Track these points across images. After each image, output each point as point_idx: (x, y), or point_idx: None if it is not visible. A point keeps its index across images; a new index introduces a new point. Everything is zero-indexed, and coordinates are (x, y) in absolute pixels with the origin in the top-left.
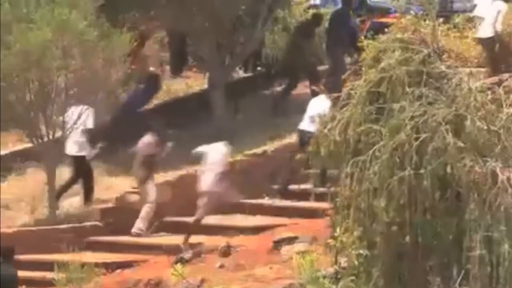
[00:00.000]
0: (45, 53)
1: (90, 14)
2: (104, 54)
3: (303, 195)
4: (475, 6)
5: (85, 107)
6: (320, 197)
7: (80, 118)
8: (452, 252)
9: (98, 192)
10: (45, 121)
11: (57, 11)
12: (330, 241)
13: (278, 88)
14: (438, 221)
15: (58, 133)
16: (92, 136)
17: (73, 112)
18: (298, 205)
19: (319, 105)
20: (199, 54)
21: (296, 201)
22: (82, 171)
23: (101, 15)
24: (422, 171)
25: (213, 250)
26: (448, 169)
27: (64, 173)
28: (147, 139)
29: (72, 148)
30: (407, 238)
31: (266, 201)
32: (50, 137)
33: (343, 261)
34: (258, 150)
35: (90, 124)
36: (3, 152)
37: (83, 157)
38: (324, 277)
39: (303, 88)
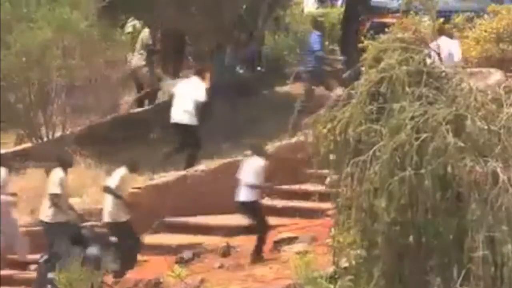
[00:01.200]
0: (45, 53)
1: (92, 14)
2: (104, 54)
3: (303, 195)
4: None
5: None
6: (320, 197)
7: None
8: (453, 252)
9: (98, 192)
10: (45, 121)
11: (58, 10)
12: (329, 241)
13: (279, 88)
14: (439, 221)
15: (58, 133)
16: (201, 109)
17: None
18: (298, 205)
19: None
20: (199, 54)
21: (296, 201)
22: (190, 140)
23: (102, 15)
24: (422, 171)
25: (213, 250)
26: (449, 169)
27: None
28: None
29: (179, 116)
30: (408, 238)
31: (266, 201)
32: (50, 137)
33: (343, 261)
34: None
35: (202, 97)
36: (3, 152)
37: (191, 126)
38: (323, 277)
39: (303, 88)
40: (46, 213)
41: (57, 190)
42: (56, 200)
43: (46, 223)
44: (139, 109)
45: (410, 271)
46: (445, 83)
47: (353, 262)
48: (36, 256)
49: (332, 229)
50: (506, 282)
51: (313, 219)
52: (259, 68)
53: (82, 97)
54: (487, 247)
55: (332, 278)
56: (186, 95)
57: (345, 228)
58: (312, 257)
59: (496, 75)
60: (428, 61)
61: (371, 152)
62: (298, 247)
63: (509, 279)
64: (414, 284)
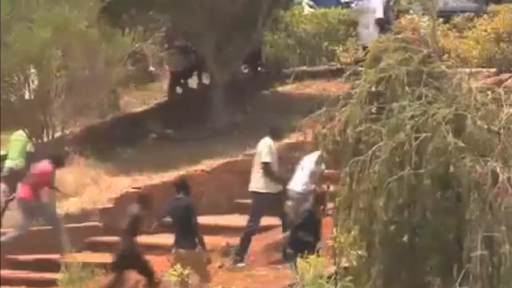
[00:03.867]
0: (45, 53)
1: (91, 14)
2: (105, 54)
3: None
4: None
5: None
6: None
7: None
8: (452, 252)
9: (98, 192)
10: (45, 121)
11: (57, 10)
12: (329, 241)
13: (279, 88)
14: (438, 221)
15: (58, 133)
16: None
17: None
18: None
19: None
20: (199, 53)
21: None
22: None
23: (102, 15)
24: (422, 170)
25: (213, 250)
26: (450, 169)
27: (64, 173)
28: None
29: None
30: (406, 238)
31: None
32: (50, 137)
33: (343, 261)
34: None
35: (380, 14)
36: (3, 152)
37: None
38: (324, 277)
39: (304, 88)
40: (258, 184)
41: (267, 159)
42: (268, 169)
43: (258, 193)
44: (139, 109)
45: (409, 271)
46: (445, 83)
47: (354, 262)
48: (35, 257)
49: (334, 229)
50: (503, 282)
51: None
52: (259, 68)
53: (82, 97)
54: (486, 247)
55: (333, 279)
56: (369, 15)
57: (344, 227)
58: (315, 257)
59: None
60: None
61: (370, 152)
62: None
63: (506, 278)
64: (414, 284)
